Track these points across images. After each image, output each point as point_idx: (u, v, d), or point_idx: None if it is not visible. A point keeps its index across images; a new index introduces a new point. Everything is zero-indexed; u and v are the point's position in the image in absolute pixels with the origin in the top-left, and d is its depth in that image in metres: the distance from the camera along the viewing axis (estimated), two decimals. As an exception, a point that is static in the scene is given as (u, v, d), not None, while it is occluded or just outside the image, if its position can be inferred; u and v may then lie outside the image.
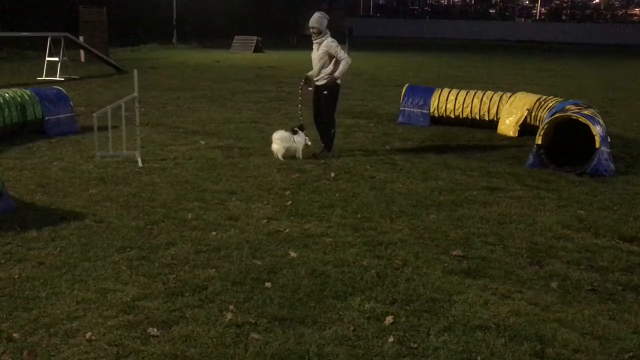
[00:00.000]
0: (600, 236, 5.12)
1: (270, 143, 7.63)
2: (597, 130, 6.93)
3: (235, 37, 32.85)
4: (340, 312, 3.67)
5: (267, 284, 4.02)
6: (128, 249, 4.59)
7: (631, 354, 3.28)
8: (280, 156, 7.48)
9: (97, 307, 3.67)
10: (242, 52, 30.45)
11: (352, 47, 31.14)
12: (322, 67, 7.58)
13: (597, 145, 6.90)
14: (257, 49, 31.09)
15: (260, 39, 32.03)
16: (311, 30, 7.60)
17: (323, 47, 7.49)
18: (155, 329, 3.41)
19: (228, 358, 3.17)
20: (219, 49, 31.98)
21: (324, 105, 7.69)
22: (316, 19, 7.50)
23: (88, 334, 3.34)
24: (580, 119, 7.05)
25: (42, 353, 3.17)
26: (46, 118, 8.79)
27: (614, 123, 10.22)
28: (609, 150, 7.14)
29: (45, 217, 5.23)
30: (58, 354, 3.16)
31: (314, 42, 7.61)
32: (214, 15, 40.48)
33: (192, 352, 3.22)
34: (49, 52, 16.94)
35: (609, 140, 7.30)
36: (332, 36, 7.61)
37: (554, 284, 4.14)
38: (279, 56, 27.74)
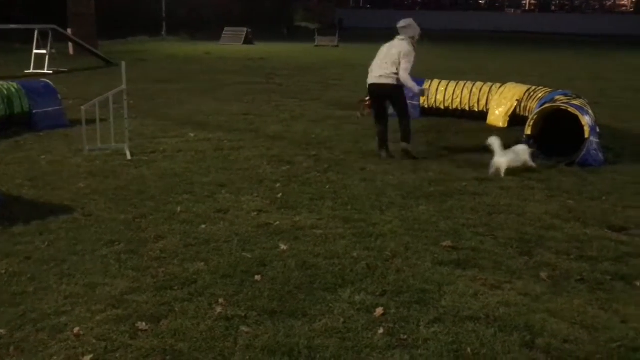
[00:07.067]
0: (589, 226, 5.14)
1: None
2: (586, 120, 6.94)
3: (225, 28, 32.60)
4: (330, 304, 3.67)
5: (257, 277, 4.01)
6: (117, 243, 4.57)
7: (619, 343, 3.29)
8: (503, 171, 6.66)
9: (86, 302, 3.64)
10: (232, 44, 30.23)
11: (342, 38, 31.11)
12: (393, 65, 7.45)
13: (587, 136, 6.92)
14: (247, 41, 30.87)
15: (250, 30, 31.83)
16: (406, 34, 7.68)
17: (399, 47, 7.52)
18: (144, 323, 3.39)
19: (217, 351, 3.16)
20: (209, 41, 31.70)
21: (400, 103, 7.52)
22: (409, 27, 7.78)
23: (76, 329, 3.32)
24: (569, 109, 7.07)
25: (29, 349, 3.14)
26: (34, 111, 8.70)
27: (603, 113, 10.23)
28: (598, 140, 7.15)
29: (33, 211, 5.19)
30: (45, 350, 3.14)
31: (397, 38, 7.61)
32: (203, 6, 40.18)
33: (182, 346, 3.20)
34: (36, 45, 16.77)
35: (598, 130, 7.32)
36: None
37: (543, 274, 4.15)
38: (269, 48, 27.60)
